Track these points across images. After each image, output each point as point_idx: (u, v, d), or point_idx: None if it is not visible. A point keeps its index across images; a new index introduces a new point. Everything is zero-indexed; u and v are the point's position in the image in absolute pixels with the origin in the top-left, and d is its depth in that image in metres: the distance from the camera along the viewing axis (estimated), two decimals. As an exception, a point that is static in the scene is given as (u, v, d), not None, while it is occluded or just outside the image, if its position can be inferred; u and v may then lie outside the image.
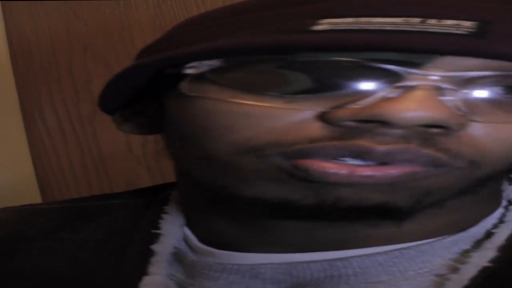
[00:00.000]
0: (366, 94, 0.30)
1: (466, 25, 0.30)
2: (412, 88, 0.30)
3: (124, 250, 0.42)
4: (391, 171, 0.31)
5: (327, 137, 0.31)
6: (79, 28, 0.96)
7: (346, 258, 0.35)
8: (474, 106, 0.31)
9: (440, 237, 0.36)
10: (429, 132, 0.30)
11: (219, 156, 0.34)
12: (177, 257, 0.41)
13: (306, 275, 0.36)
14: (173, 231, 0.43)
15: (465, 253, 0.36)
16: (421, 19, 0.30)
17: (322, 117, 0.31)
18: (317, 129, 0.31)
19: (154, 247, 0.41)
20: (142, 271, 0.40)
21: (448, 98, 0.30)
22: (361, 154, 0.31)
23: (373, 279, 0.35)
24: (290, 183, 0.33)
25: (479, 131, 0.31)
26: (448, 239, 0.36)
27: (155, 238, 0.42)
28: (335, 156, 0.31)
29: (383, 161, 0.31)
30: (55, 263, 0.43)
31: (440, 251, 0.36)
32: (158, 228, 0.43)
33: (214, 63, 0.33)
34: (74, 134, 1.00)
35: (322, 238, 0.36)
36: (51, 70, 0.98)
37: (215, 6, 0.91)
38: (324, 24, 0.31)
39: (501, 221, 0.38)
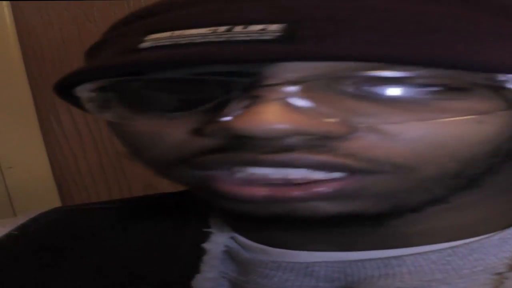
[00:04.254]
0: (220, 108, 0.30)
1: (272, 29, 0.28)
2: (257, 99, 0.28)
3: (175, 249, 0.42)
4: (317, 189, 0.30)
5: (212, 149, 0.31)
6: (90, 28, 0.95)
7: (400, 257, 0.35)
8: (359, 108, 0.29)
9: (488, 235, 0.36)
10: (313, 140, 0.29)
11: (157, 169, 0.35)
12: (229, 255, 0.41)
13: (361, 274, 0.36)
14: (223, 229, 0.42)
15: None
16: (226, 28, 0.29)
17: (200, 133, 0.31)
18: (202, 143, 0.31)
19: (206, 245, 0.41)
20: (194, 269, 0.40)
21: (296, 105, 0.28)
22: (252, 164, 0.30)
23: (427, 277, 0.35)
24: None
25: (387, 133, 0.29)
26: (496, 237, 0.36)
27: (205, 236, 0.42)
28: (230, 166, 0.31)
29: (278, 168, 0.30)
30: (107, 262, 0.43)
31: (491, 249, 0.36)
32: (208, 227, 0.43)
33: (90, 86, 0.34)
34: (90, 135, 1.00)
35: (363, 236, 0.36)
36: (64, 71, 0.97)
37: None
38: (148, 41, 0.31)
39: None
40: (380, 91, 0.29)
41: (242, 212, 0.33)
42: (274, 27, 0.28)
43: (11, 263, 0.45)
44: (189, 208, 0.46)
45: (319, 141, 0.29)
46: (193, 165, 0.32)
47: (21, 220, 0.50)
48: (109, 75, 0.33)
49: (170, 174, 0.35)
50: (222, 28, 0.29)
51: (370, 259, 0.36)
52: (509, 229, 0.36)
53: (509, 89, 0.29)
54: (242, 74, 0.29)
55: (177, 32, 0.30)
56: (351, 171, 0.30)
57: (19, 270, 0.44)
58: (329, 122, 0.29)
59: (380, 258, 0.36)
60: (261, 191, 0.30)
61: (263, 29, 0.28)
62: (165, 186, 0.87)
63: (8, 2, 0.96)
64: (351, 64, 0.28)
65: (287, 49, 0.27)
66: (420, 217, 0.35)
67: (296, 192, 0.30)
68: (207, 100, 0.31)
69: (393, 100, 0.29)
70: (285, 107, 0.28)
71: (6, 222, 0.50)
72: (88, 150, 1.01)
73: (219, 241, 0.41)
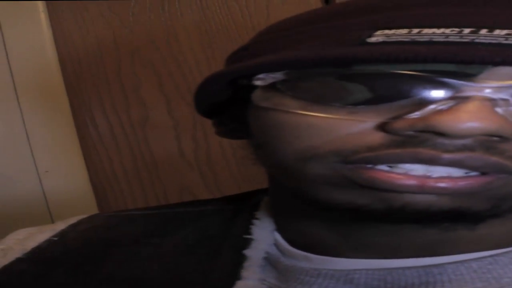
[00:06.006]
0: (422, 105, 0.31)
1: None
2: (465, 99, 0.29)
3: (215, 255, 0.42)
4: (463, 183, 0.31)
5: (386, 145, 0.31)
6: (125, 34, 0.96)
7: (442, 265, 0.35)
8: None
9: None
10: (491, 141, 0.30)
11: (287, 162, 0.35)
12: (269, 261, 0.41)
13: (401, 282, 0.36)
14: (264, 236, 0.43)
15: None
16: (472, 29, 0.30)
17: (382, 127, 0.32)
18: (377, 138, 0.32)
19: (247, 252, 0.41)
20: (234, 276, 0.40)
21: (501, 108, 0.30)
22: (426, 161, 0.31)
23: (468, 285, 0.35)
24: (356, 189, 0.33)
25: None
26: None
27: (246, 243, 0.42)
28: (396, 162, 0.31)
29: (450, 167, 0.31)
30: (146, 268, 0.43)
31: None
32: (249, 234, 0.43)
33: (278, 75, 0.34)
34: (125, 139, 1.01)
35: (412, 242, 0.36)
36: (100, 76, 0.99)
37: (259, 10, 0.90)
38: (378, 36, 0.31)
39: None
40: None
41: (356, 205, 0.34)
42: None
43: (51, 269, 0.45)
44: (230, 215, 0.46)
45: (496, 143, 0.30)
46: (354, 159, 0.32)
47: (60, 226, 0.51)
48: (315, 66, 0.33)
49: (305, 167, 0.34)
50: (467, 30, 0.30)
51: (410, 267, 0.36)
52: None
53: None
54: (451, 74, 0.30)
55: (415, 30, 0.31)
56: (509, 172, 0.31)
57: (58, 276, 0.44)
58: None
59: (421, 266, 0.36)
60: (412, 180, 0.31)
61: (507, 34, 0.29)
62: (200, 189, 0.87)
63: (45, 8, 0.97)
64: None
65: None
66: (482, 223, 0.35)
67: (444, 184, 0.31)
68: (400, 96, 0.31)
69: None
70: (487, 107, 0.29)
71: (45, 229, 0.51)
72: (124, 154, 1.01)
73: (260, 247, 0.42)
